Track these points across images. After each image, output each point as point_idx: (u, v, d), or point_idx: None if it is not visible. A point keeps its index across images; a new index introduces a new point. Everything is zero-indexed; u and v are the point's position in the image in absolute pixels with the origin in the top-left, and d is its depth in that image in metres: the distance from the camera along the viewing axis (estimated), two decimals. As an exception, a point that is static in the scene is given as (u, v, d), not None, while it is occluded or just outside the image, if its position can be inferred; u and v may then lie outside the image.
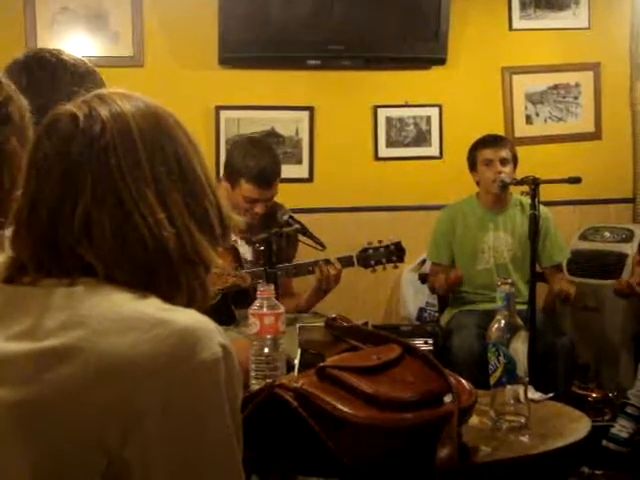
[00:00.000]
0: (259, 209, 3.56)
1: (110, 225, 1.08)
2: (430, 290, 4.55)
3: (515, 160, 4.24)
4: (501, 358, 1.97)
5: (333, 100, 4.93)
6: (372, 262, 3.65)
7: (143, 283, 1.09)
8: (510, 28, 5.10)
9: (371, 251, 3.65)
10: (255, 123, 4.85)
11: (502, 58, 5.09)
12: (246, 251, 3.62)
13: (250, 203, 3.54)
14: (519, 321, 2.02)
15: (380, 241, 3.67)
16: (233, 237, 3.46)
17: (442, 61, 4.90)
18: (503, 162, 4.18)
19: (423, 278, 4.60)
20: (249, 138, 3.95)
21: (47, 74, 2.13)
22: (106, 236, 1.08)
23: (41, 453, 0.99)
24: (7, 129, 1.40)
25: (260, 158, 3.56)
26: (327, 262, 3.53)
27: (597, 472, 3.69)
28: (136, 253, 1.09)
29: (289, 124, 4.92)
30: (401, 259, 3.69)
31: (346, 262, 3.60)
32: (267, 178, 3.55)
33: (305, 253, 3.68)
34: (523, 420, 1.97)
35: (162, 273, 1.11)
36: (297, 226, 3.34)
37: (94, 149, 1.10)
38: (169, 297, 1.09)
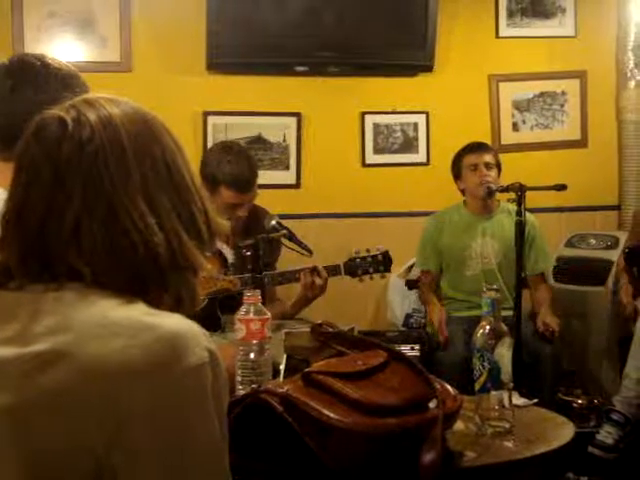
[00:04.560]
0: (242, 212, 3.58)
1: (100, 231, 1.08)
2: (420, 300, 4.56)
3: (499, 167, 4.27)
4: (486, 364, 1.98)
5: (321, 106, 4.94)
6: (359, 272, 3.65)
7: (132, 288, 1.09)
8: (497, 36, 5.12)
9: (358, 260, 3.64)
10: (242, 129, 4.85)
11: (489, 65, 5.11)
12: (228, 255, 3.62)
13: (231, 208, 3.55)
14: (504, 327, 2.03)
15: (368, 250, 3.66)
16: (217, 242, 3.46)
17: (429, 68, 4.92)
18: (488, 166, 4.21)
19: (410, 284, 4.60)
20: (222, 144, 3.94)
21: (31, 78, 2.13)
22: (96, 242, 1.08)
23: (31, 457, 0.99)
24: None
25: (235, 163, 3.57)
26: (314, 270, 3.52)
27: (582, 478, 3.70)
28: (126, 258, 1.09)
29: (277, 130, 4.92)
30: (388, 269, 3.69)
31: (333, 271, 3.60)
32: (245, 182, 3.56)
33: (292, 259, 3.68)
34: (507, 426, 1.98)
35: (151, 278, 1.11)
36: (284, 232, 3.35)
37: (84, 154, 1.10)
38: (157, 302, 1.10)
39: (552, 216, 4.95)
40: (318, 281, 3.50)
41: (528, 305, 4.28)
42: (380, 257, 3.66)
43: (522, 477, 1.93)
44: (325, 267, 3.55)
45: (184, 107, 4.67)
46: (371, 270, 3.65)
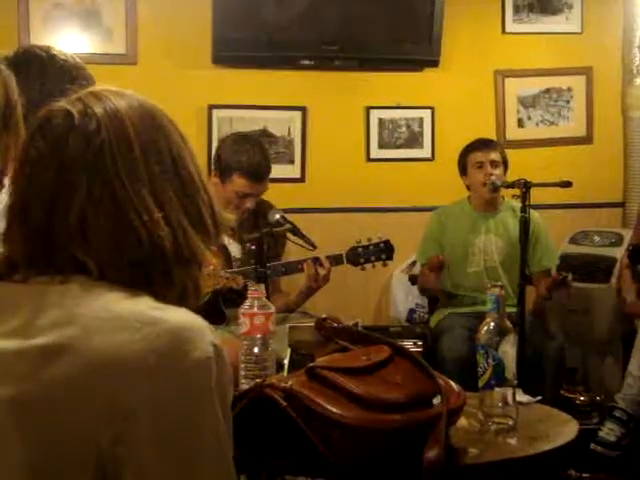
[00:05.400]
0: (250, 204, 3.58)
1: (106, 224, 1.08)
2: (420, 292, 4.55)
3: (505, 164, 4.26)
4: (490, 361, 1.98)
5: (326, 100, 4.93)
6: (361, 260, 3.66)
7: (137, 282, 1.09)
8: (503, 31, 5.11)
9: (360, 249, 3.65)
10: (248, 122, 4.85)
11: (495, 61, 5.10)
12: (234, 249, 3.62)
13: (241, 198, 3.56)
14: (508, 324, 2.02)
15: (369, 239, 3.68)
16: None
17: (435, 63, 4.91)
18: (493, 164, 4.21)
19: (413, 279, 4.60)
20: (238, 134, 3.95)
21: (37, 69, 2.14)
22: (102, 235, 1.08)
23: (34, 450, 0.99)
24: None
25: (252, 153, 3.58)
26: (316, 260, 3.53)
27: (584, 475, 3.69)
28: (132, 252, 1.09)
29: (282, 124, 4.92)
30: (390, 257, 3.70)
31: (335, 260, 3.60)
32: (260, 172, 3.57)
33: (296, 253, 3.69)
34: (511, 422, 1.97)
35: (157, 272, 1.11)
36: (288, 226, 3.35)
37: (90, 147, 1.10)
38: (162, 295, 1.09)
39: (556, 213, 4.94)
40: (321, 271, 3.52)
41: (532, 302, 4.27)
42: (382, 246, 3.67)
43: (525, 474, 1.93)
44: (327, 257, 3.56)
45: (189, 100, 4.66)
46: (373, 259, 3.66)
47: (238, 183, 3.54)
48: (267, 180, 3.63)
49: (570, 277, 3.91)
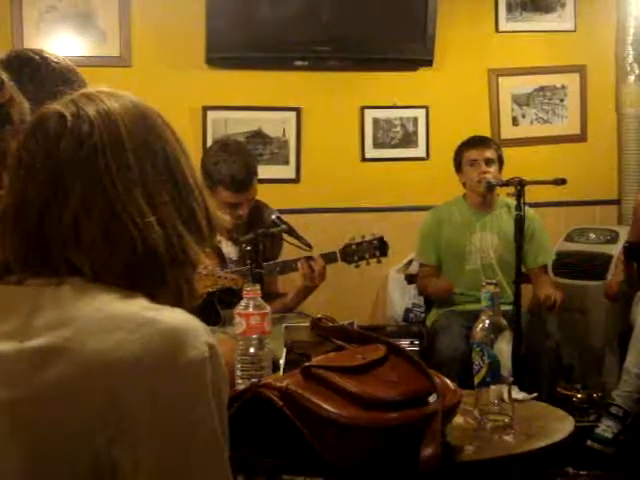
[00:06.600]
0: (242, 211, 3.57)
1: (99, 227, 1.08)
2: (419, 292, 4.56)
3: (501, 161, 4.26)
4: (485, 358, 1.98)
5: (320, 101, 4.93)
6: (356, 257, 3.65)
7: (131, 284, 1.09)
8: (497, 30, 5.12)
9: (354, 246, 3.65)
10: (242, 124, 4.85)
11: (489, 60, 5.11)
12: (231, 251, 3.62)
13: (231, 207, 3.55)
14: (503, 321, 2.03)
15: (363, 236, 3.68)
16: (218, 237, 3.45)
17: (429, 63, 4.91)
18: (488, 162, 4.21)
19: (409, 278, 4.60)
20: (219, 143, 3.91)
21: (30, 72, 2.14)
22: (95, 238, 1.08)
23: (31, 451, 0.99)
24: (6, 130, 1.40)
25: (231, 164, 3.54)
26: (309, 259, 3.53)
27: (582, 472, 3.70)
28: (125, 255, 1.09)
29: (276, 125, 4.92)
30: (384, 254, 3.70)
31: (329, 258, 3.60)
32: (241, 183, 3.54)
33: (291, 253, 3.69)
34: (507, 420, 1.98)
35: (150, 274, 1.11)
36: (284, 226, 3.34)
37: (83, 149, 1.09)
38: (157, 297, 1.09)
39: (552, 210, 4.95)
40: (316, 269, 3.51)
41: (527, 300, 4.28)
42: (376, 242, 3.67)
43: (522, 471, 1.93)
44: (321, 255, 3.56)
45: (184, 102, 4.67)
46: (367, 256, 3.66)
47: (223, 195, 3.53)
48: (252, 187, 3.60)
49: (558, 304, 3.98)
